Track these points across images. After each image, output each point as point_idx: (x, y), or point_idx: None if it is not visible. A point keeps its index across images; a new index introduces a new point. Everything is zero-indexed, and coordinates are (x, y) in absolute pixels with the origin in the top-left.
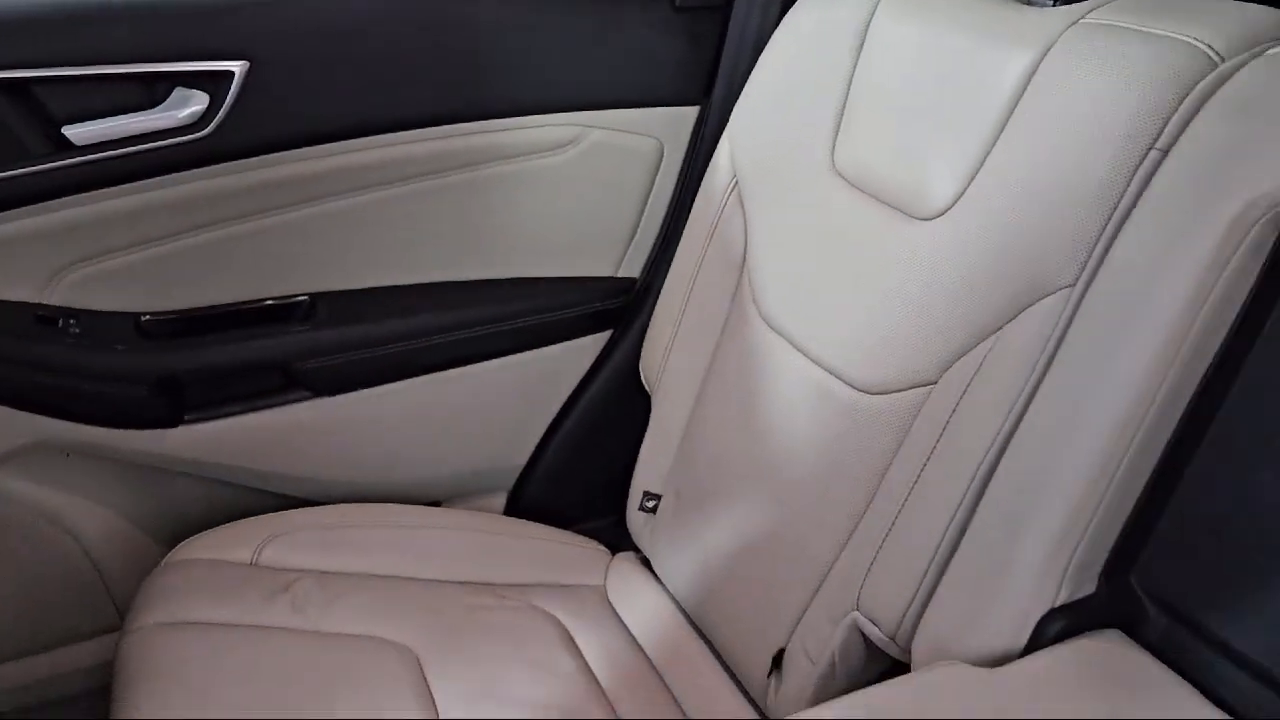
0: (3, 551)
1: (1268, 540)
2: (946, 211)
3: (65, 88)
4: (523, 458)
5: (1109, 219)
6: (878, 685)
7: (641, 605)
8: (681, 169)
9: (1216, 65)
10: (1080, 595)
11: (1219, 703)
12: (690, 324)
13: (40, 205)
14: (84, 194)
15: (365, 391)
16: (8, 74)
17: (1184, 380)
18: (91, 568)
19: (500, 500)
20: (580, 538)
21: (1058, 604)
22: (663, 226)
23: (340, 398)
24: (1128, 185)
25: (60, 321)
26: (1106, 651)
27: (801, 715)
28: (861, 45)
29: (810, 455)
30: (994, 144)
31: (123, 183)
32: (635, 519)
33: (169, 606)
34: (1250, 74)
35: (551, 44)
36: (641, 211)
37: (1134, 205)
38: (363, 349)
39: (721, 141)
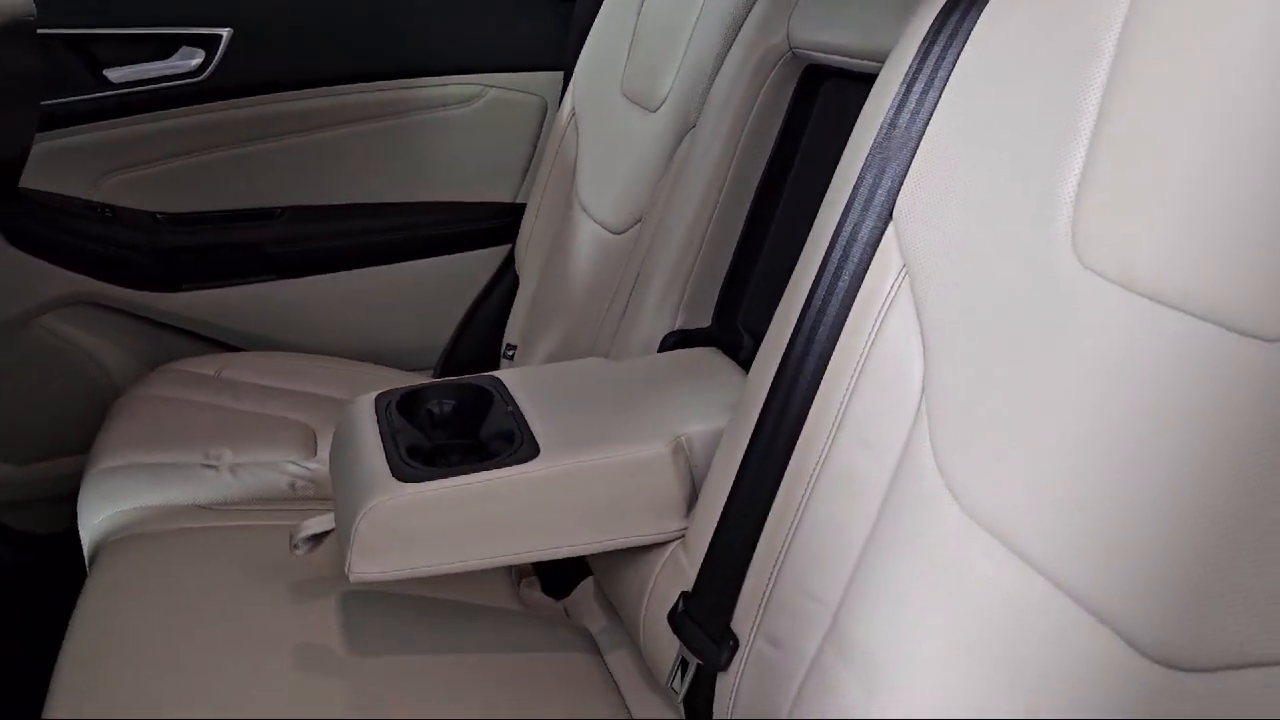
0: (47, 374)
1: None
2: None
3: (108, 42)
4: (443, 341)
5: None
6: (541, 367)
7: None
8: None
9: None
10: (694, 325)
11: None
12: (540, 222)
13: (89, 125)
14: (118, 119)
15: (318, 277)
16: (70, 30)
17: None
18: (113, 395)
19: (427, 376)
20: None
21: (675, 328)
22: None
23: (299, 280)
24: None
25: (103, 209)
26: (701, 355)
27: None
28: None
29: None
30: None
31: (144, 112)
32: (502, 366)
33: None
34: None
35: (460, 22)
36: (530, 155)
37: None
38: (317, 241)
39: (567, 90)
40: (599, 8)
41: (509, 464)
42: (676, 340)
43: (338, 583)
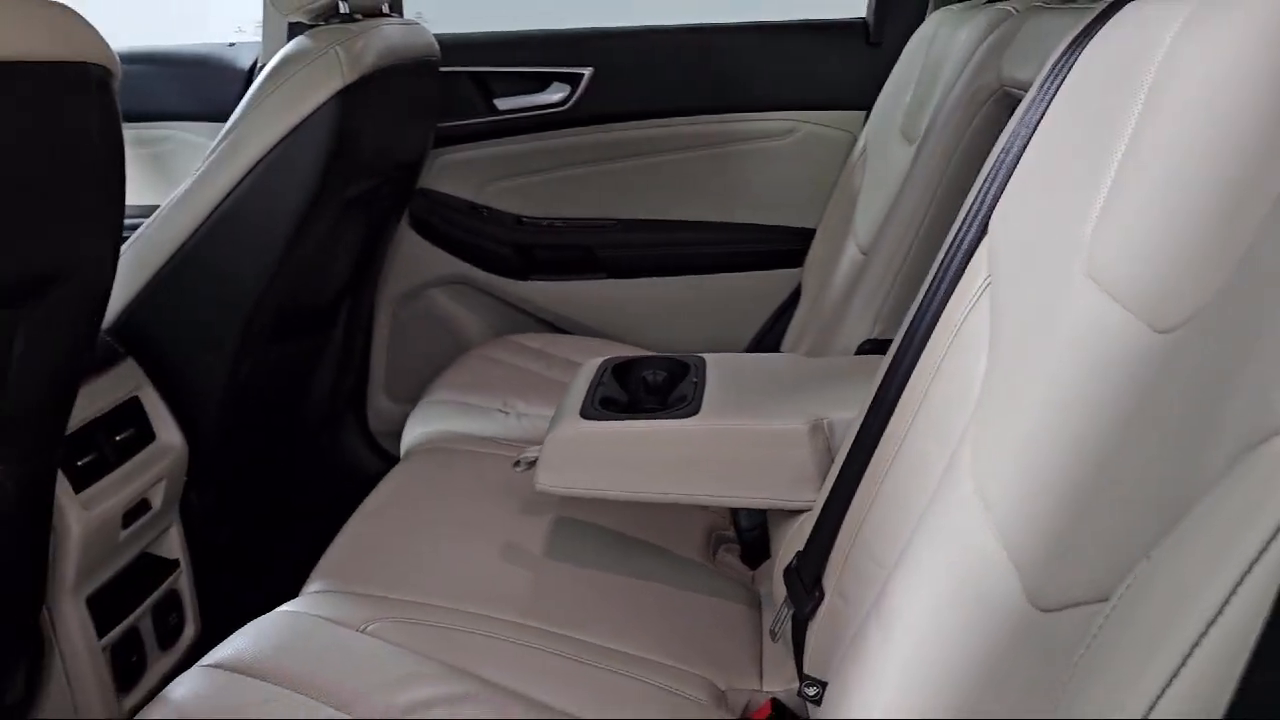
0: (427, 334)
1: None
2: None
3: (501, 79)
4: (739, 348)
5: None
6: (739, 354)
7: None
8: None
9: None
10: (890, 335)
11: None
12: (820, 246)
13: (479, 143)
14: (500, 139)
15: (638, 279)
16: (475, 69)
17: (947, 203)
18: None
19: None
20: None
21: (871, 336)
22: None
23: (622, 280)
24: None
25: (483, 210)
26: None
27: None
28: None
29: None
30: None
31: (519, 134)
32: None
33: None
34: None
35: (779, 65)
36: (834, 182)
37: None
38: (641, 249)
39: (865, 127)
40: (900, 50)
41: (669, 418)
42: (870, 347)
43: (558, 509)
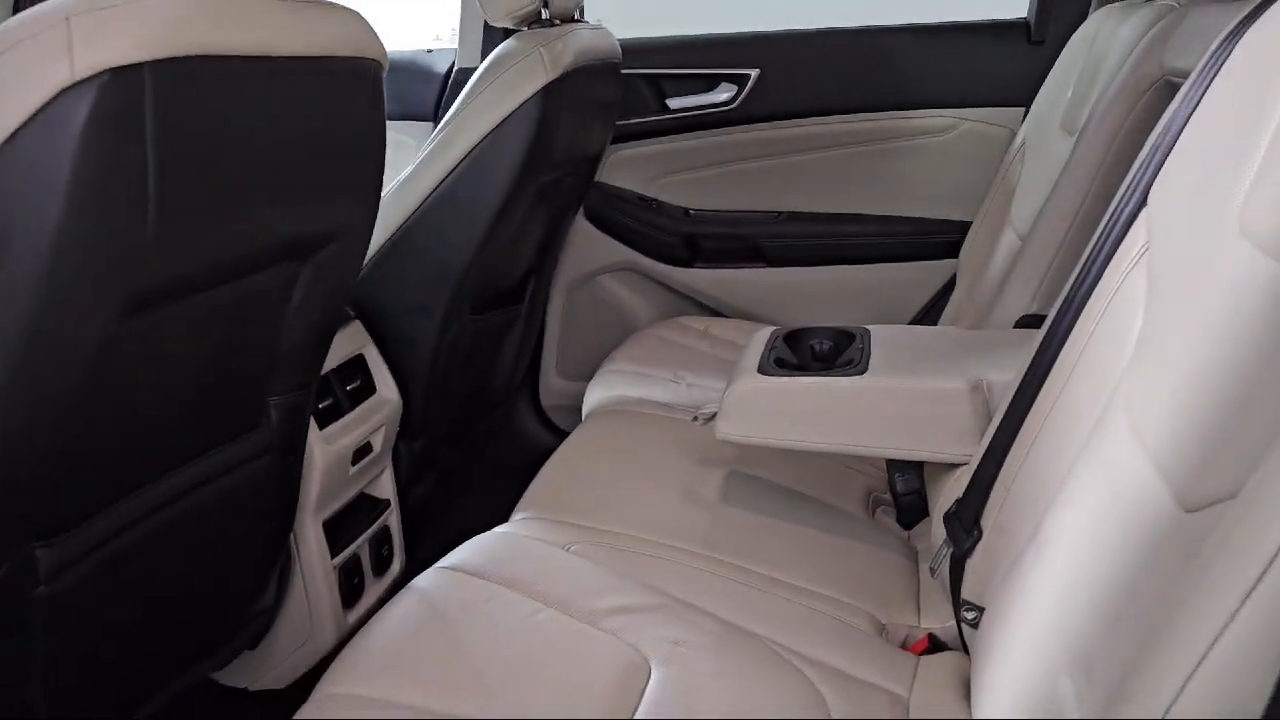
0: (599, 317)
1: None
2: None
3: (673, 80)
4: None
5: None
6: (902, 326)
7: None
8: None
9: None
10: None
11: None
12: (978, 238)
13: (652, 140)
14: (671, 136)
15: (796, 268)
16: (649, 70)
17: (1105, 189)
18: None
19: None
20: None
21: (1029, 311)
22: None
23: (780, 269)
24: None
25: (652, 202)
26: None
27: None
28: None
29: None
30: None
31: (688, 131)
32: None
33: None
34: None
35: (941, 64)
36: (993, 177)
37: None
38: (801, 240)
39: (1024, 123)
40: (1062, 48)
41: (839, 375)
42: (1028, 321)
43: (728, 463)
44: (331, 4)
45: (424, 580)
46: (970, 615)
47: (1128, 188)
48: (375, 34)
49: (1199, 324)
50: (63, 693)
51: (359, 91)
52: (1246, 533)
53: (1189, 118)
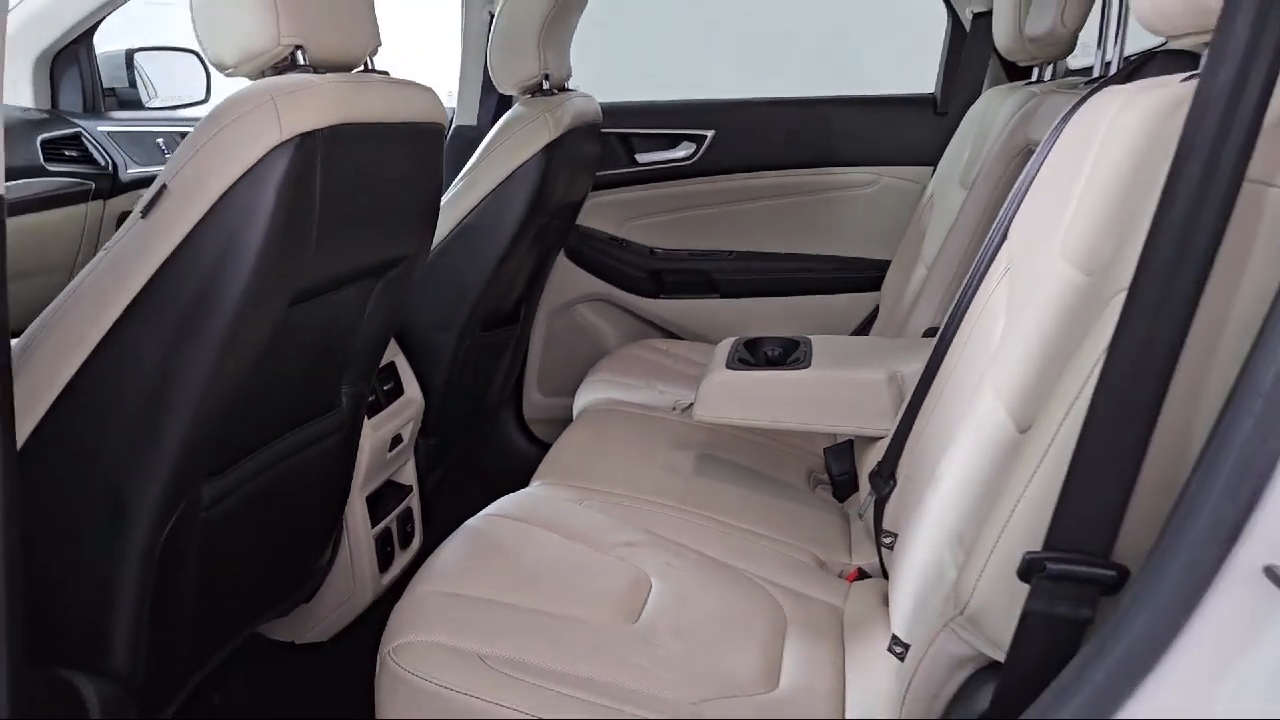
0: (575, 341)
1: None
2: None
3: (641, 139)
4: None
5: None
6: (838, 336)
7: None
8: None
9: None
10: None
11: None
12: (894, 273)
13: (622, 189)
14: (639, 185)
15: (743, 299)
16: (623, 130)
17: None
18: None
19: None
20: None
21: (930, 325)
22: None
23: (731, 300)
24: None
25: (622, 242)
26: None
27: None
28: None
29: None
30: None
31: (653, 182)
32: None
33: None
34: None
35: (865, 130)
36: (907, 222)
37: None
38: (749, 275)
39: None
40: (960, 120)
41: (788, 370)
42: (930, 332)
43: (699, 448)
44: (415, 82)
45: (475, 522)
46: (888, 540)
47: (996, 227)
48: (442, 104)
49: (1034, 316)
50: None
51: (432, 148)
52: (1035, 440)
53: (1034, 176)
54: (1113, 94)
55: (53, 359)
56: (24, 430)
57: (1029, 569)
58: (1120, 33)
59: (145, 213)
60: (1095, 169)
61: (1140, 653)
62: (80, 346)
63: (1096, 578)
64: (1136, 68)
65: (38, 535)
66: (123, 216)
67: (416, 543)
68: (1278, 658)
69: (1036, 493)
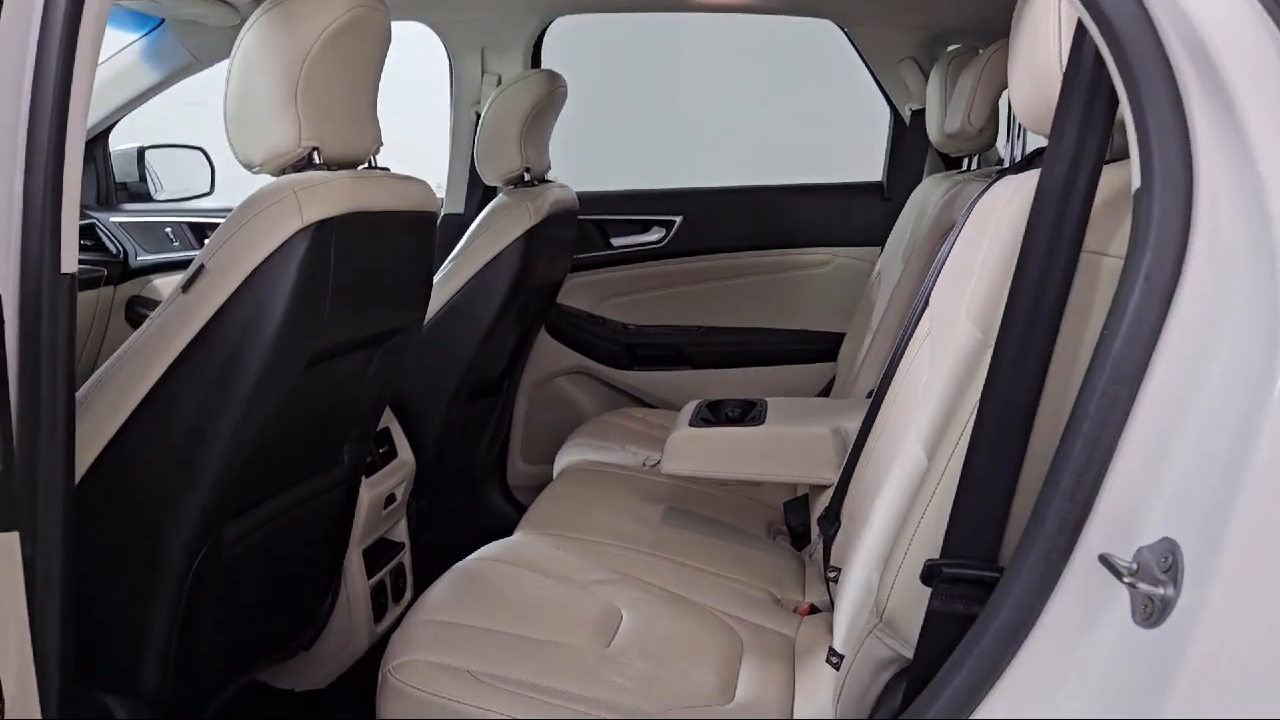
0: (556, 412)
1: None
2: None
3: (615, 224)
4: None
5: None
6: (791, 398)
7: None
8: None
9: None
10: None
11: None
12: (849, 343)
13: (599, 270)
14: (613, 267)
15: (712, 370)
16: (598, 217)
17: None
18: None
19: None
20: None
21: (874, 388)
22: None
23: (700, 370)
24: None
25: (598, 319)
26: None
27: None
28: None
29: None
30: None
31: (627, 264)
32: None
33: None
34: None
35: (818, 214)
36: (859, 297)
37: None
38: (715, 348)
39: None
40: (904, 204)
41: (746, 427)
42: (872, 394)
43: (668, 502)
44: (412, 177)
45: (464, 564)
46: (833, 575)
47: (920, 295)
48: (434, 195)
49: (943, 365)
50: (208, 650)
51: (426, 233)
52: (934, 467)
53: (950, 250)
54: (1007, 182)
55: (104, 412)
56: (79, 474)
57: (929, 574)
58: (1020, 130)
59: (185, 288)
60: (990, 243)
61: (1007, 628)
62: (127, 401)
63: (985, 579)
64: (1031, 158)
65: (83, 567)
66: (132, 301)
67: (408, 596)
68: (1117, 627)
69: (935, 511)
